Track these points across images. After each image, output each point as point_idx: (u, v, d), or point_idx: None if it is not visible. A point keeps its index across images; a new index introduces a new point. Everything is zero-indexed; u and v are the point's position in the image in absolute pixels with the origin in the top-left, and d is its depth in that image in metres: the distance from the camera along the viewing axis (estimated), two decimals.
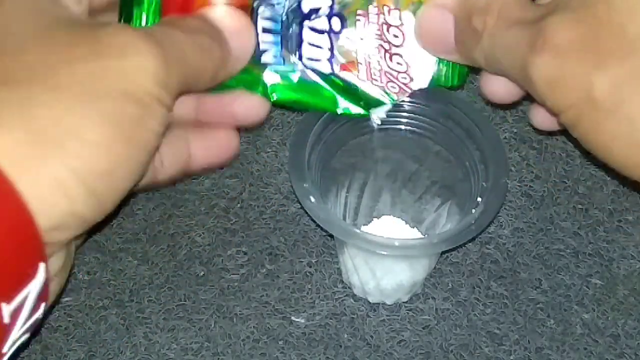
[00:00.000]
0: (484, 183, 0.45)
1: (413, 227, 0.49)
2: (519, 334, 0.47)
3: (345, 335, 0.47)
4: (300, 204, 0.44)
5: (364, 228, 0.49)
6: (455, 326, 0.47)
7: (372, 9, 0.43)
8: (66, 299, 0.49)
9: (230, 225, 0.51)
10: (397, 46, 0.43)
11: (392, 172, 0.49)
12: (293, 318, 0.48)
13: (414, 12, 0.42)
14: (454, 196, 0.47)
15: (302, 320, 0.48)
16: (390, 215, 0.50)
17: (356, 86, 0.44)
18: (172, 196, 0.52)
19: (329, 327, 0.47)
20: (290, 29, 0.44)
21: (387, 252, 0.42)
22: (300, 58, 0.44)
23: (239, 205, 0.51)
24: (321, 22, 0.44)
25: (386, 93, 0.45)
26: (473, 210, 0.43)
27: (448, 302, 0.48)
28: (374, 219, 0.50)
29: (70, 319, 0.48)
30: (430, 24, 0.42)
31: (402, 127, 0.47)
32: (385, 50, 0.43)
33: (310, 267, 0.49)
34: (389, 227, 0.49)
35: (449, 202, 0.48)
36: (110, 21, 0.41)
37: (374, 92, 0.45)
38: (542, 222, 0.50)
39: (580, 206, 0.51)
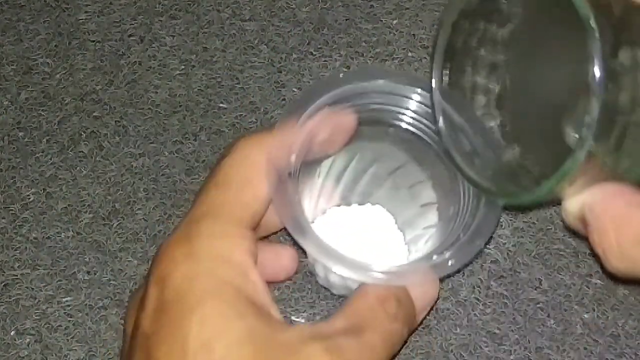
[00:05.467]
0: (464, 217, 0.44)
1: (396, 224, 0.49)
2: (519, 334, 0.47)
3: (304, 322, 0.47)
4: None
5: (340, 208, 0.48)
6: (455, 326, 0.47)
7: None
8: (66, 299, 0.49)
9: None
10: None
11: (390, 168, 0.49)
12: (293, 318, 0.48)
13: None
14: (444, 197, 0.47)
15: (302, 320, 0.47)
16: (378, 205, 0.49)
17: None
18: (172, 196, 0.52)
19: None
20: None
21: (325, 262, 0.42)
22: None
23: None
24: None
25: None
26: (434, 256, 0.42)
27: (448, 302, 0.48)
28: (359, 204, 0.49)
29: (70, 319, 0.48)
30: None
31: (405, 125, 0.47)
32: None
33: None
34: (371, 214, 0.48)
35: (438, 204, 0.48)
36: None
37: None
38: (542, 222, 0.50)
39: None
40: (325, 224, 0.47)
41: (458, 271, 0.47)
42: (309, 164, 0.46)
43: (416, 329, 0.45)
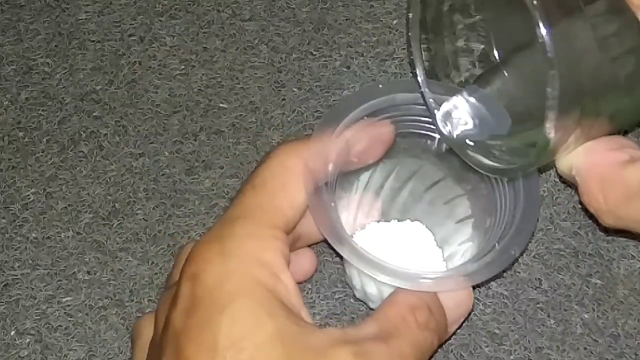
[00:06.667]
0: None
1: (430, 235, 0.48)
2: (519, 334, 0.47)
3: (335, 326, 0.47)
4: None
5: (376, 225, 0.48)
6: None
7: None
8: (66, 298, 0.49)
9: None
10: None
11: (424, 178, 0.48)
12: None
13: None
14: (481, 209, 0.46)
15: None
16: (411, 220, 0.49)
17: None
18: (172, 196, 0.52)
19: (329, 327, 0.47)
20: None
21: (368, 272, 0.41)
22: None
23: None
24: None
25: None
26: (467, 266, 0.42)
27: None
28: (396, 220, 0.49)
29: (70, 319, 0.48)
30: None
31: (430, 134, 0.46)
32: None
33: None
34: (405, 230, 0.48)
35: (474, 218, 0.47)
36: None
37: None
38: (542, 222, 0.50)
39: (580, 206, 0.51)
40: (365, 239, 0.47)
41: (491, 280, 0.47)
42: (346, 176, 0.46)
43: (447, 340, 0.45)
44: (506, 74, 0.45)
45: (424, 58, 0.44)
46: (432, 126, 0.45)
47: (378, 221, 0.49)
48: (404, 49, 0.56)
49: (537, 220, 0.44)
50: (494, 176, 0.44)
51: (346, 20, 0.57)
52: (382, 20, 0.57)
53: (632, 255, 0.49)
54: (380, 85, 0.45)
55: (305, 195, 0.42)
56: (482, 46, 0.45)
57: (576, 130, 0.37)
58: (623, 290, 0.48)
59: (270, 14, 0.57)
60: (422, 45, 0.43)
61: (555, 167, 0.40)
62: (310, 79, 0.55)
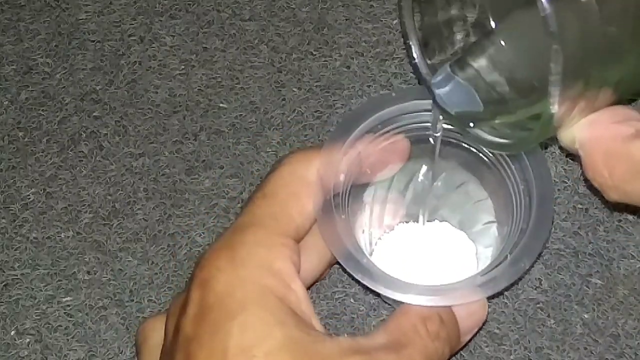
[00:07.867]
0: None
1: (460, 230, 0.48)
2: (519, 334, 0.47)
3: (345, 335, 0.47)
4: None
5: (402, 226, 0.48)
6: None
7: None
8: (66, 298, 0.49)
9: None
10: None
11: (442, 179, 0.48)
12: None
13: None
14: (502, 214, 0.46)
15: None
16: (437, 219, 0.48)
17: None
18: (172, 196, 0.52)
19: (329, 327, 0.47)
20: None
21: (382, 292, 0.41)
22: None
23: (239, 205, 0.51)
24: None
25: None
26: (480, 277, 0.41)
27: None
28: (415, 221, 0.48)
29: (70, 319, 0.48)
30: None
31: (465, 144, 0.46)
32: None
33: None
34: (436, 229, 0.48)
35: (497, 222, 0.47)
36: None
37: None
38: None
39: (580, 206, 0.51)
40: (395, 239, 0.47)
41: (502, 292, 0.47)
42: (361, 186, 0.45)
43: (460, 350, 0.45)
44: (503, 43, 0.43)
45: (416, 28, 0.42)
46: (451, 131, 0.45)
47: (407, 222, 0.48)
48: (404, 49, 0.56)
49: (550, 232, 0.44)
50: (497, 152, 0.43)
51: (346, 20, 0.57)
52: (382, 20, 0.57)
53: (632, 255, 0.49)
54: (394, 94, 0.45)
55: (314, 208, 0.42)
56: (477, 14, 0.43)
57: (580, 102, 0.36)
58: (623, 290, 0.48)
59: (270, 14, 0.57)
60: (414, 16, 0.42)
61: (557, 139, 0.40)
62: (310, 79, 0.55)
